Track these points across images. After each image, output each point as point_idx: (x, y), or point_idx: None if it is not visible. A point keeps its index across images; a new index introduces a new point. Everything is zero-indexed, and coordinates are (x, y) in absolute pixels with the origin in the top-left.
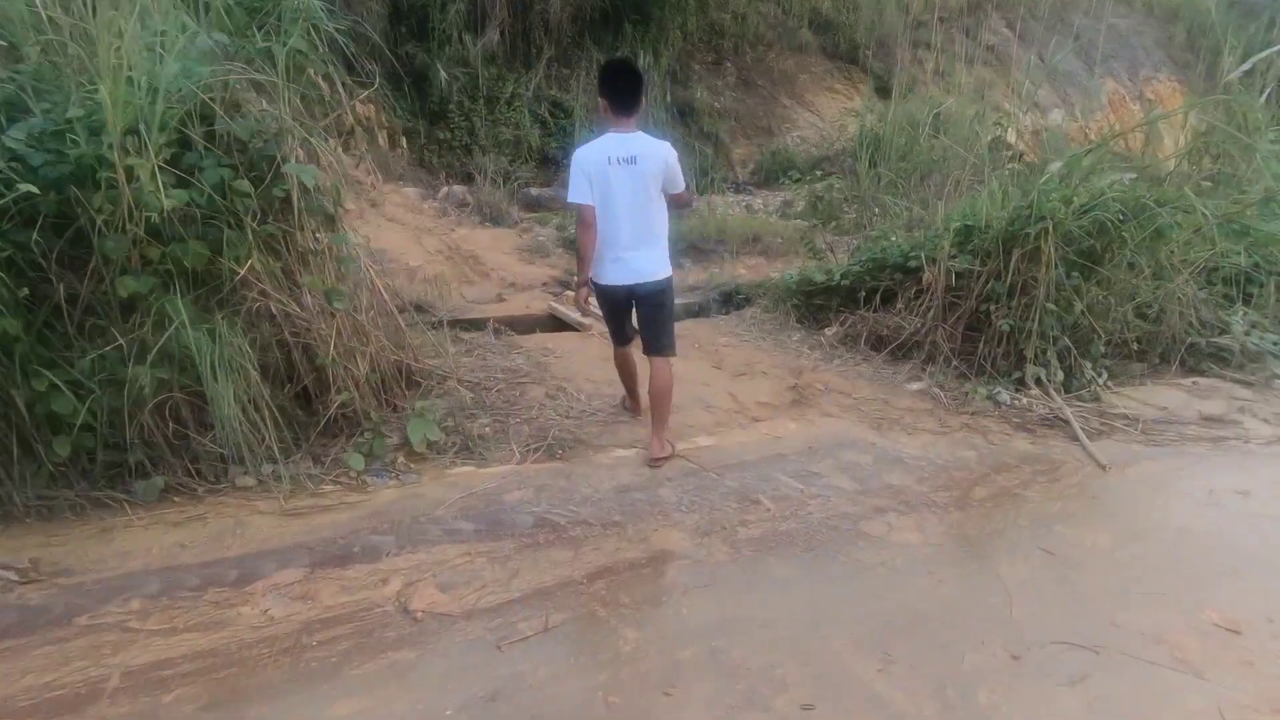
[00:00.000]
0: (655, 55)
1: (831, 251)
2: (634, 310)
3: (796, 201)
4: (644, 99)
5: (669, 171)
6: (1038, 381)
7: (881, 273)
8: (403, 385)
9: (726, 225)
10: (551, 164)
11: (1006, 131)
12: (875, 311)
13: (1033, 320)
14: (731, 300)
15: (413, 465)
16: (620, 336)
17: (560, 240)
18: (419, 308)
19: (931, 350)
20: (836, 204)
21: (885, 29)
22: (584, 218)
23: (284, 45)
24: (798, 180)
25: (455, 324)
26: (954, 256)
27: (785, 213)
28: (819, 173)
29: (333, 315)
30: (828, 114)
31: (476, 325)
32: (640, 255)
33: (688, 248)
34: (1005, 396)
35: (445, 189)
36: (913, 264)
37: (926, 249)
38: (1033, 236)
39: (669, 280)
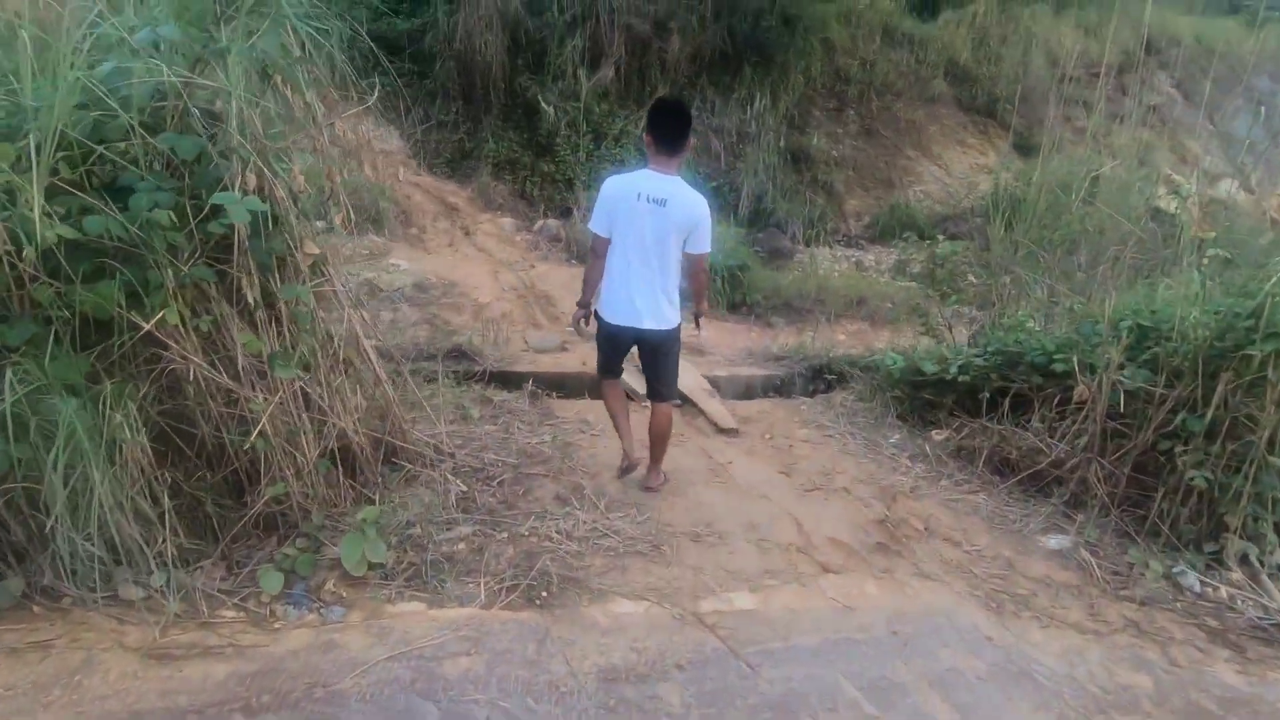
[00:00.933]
0: (773, 98)
1: (950, 329)
2: (639, 353)
3: (913, 263)
4: (690, 142)
5: (698, 229)
6: (1243, 561)
7: (1013, 371)
8: (376, 469)
9: (829, 283)
10: None
11: (1173, 203)
12: (1001, 422)
13: (1244, 476)
14: (821, 377)
15: (345, 593)
16: (611, 370)
17: None
18: (461, 354)
19: (1080, 491)
20: (960, 272)
21: (1030, 83)
22: (595, 248)
23: (244, 44)
24: (917, 239)
25: (496, 378)
26: (1123, 368)
27: (899, 274)
28: (941, 235)
29: (277, 385)
30: (957, 169)
31: (521, 381)
32: (652, 301)
33: (781, 305)
34: (1193, 579)
35: (541, 222)
36: (1059, 367)
37: (1080, 351)
38: (1257, 361)
39: (678, 329)
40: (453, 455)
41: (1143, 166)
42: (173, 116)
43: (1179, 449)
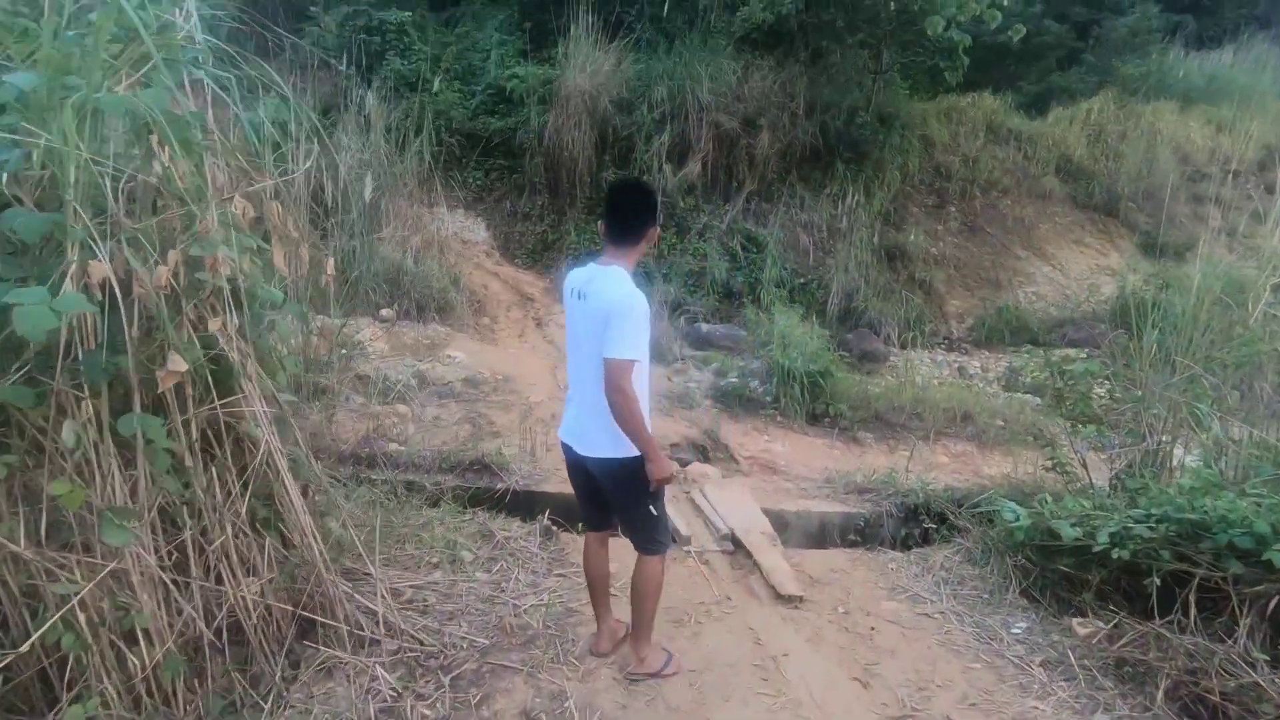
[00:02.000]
0: (867, 194)
1: (1085, 466)
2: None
3: (1027, 373)
4: (652, 232)
5: (610, 323)
6: None
7: (1196, 550)
8: (277, 659)
9: (927, 393)
10: (736, 298)
11: None
12: (1187, 630)
13: None
14: (917, 519)
15: None
16: (587, 518)
17: (714, 390)
18: (484, 468)
19: None
20: (1089, 394)
21: (1156, 180)
22: None
23: (95, 93)
24: (1031, 346)
25: (517, 500)
26: None
27: (1010, 385)
28: (1060, 342)
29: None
30: (1074, 270)
31: (545, 506)
32: (588, 420)
33: (871, 418)
34: None
35: None
36: (1273, 556)
37: None
38: None
39: (632, 465)
40: (400, 633)
41: None
42: (42, 187)
43: None
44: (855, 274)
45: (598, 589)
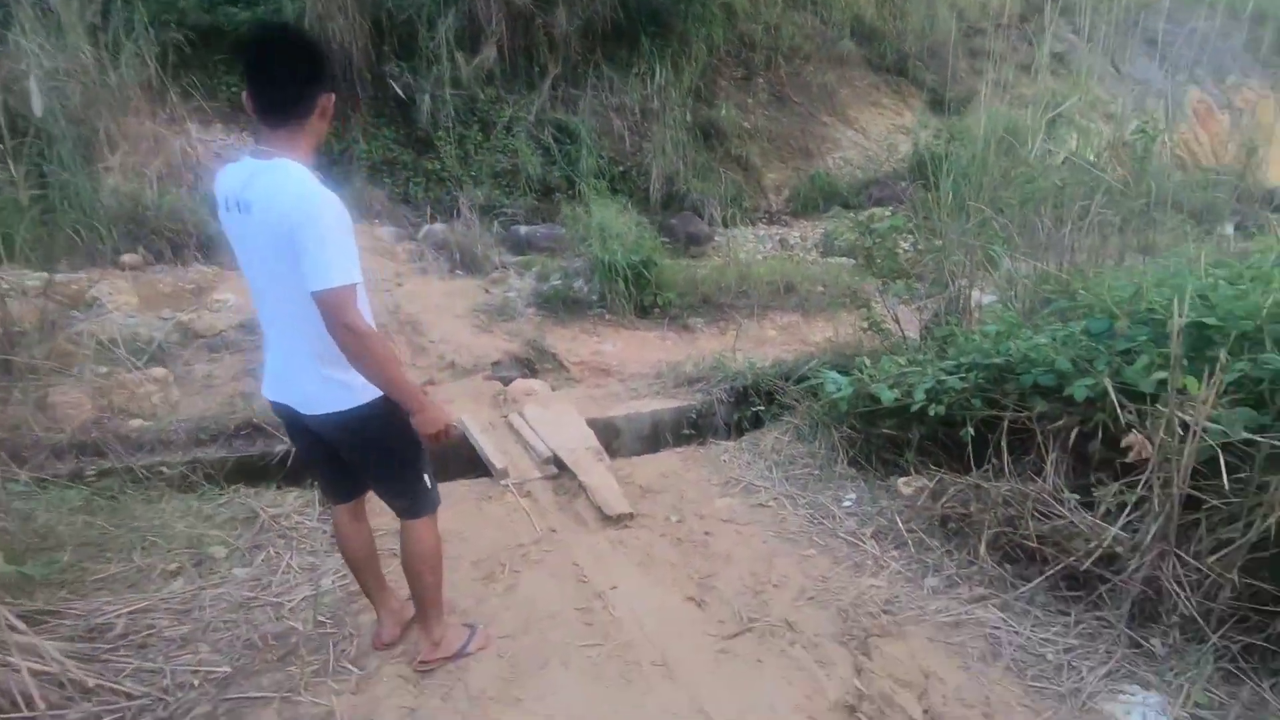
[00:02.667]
0: (675, 71)
1: (898, 322)
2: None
3: (839, 236)
4: (323, 101)
5: (295, 239)
6: None
7: (1003, 393)
8: None
9: (751, 270)
10: (554, 195)
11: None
12: (1002, 475)
13: None
14: (748, 402)
15: None
16: (328, 487)
17: (536, 296)
18: (254, 430)
19: (1152, 600)
20: (896, 250)
21: (937, 37)
22: None
23: None
24: (842, 210)
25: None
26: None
27: (828, 251)
28: (867, 203)
29: None
30: (874, 132)
31: None
32: (297, 371)
33: (700, 303)
34: None
35: (426, 228)
36: (1077, 393)
37: (1111, 366)
38: None
39: (372, 414)
40: (94, 691)
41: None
42: None
43: None
44: (673, 156)
45: (364, 570)
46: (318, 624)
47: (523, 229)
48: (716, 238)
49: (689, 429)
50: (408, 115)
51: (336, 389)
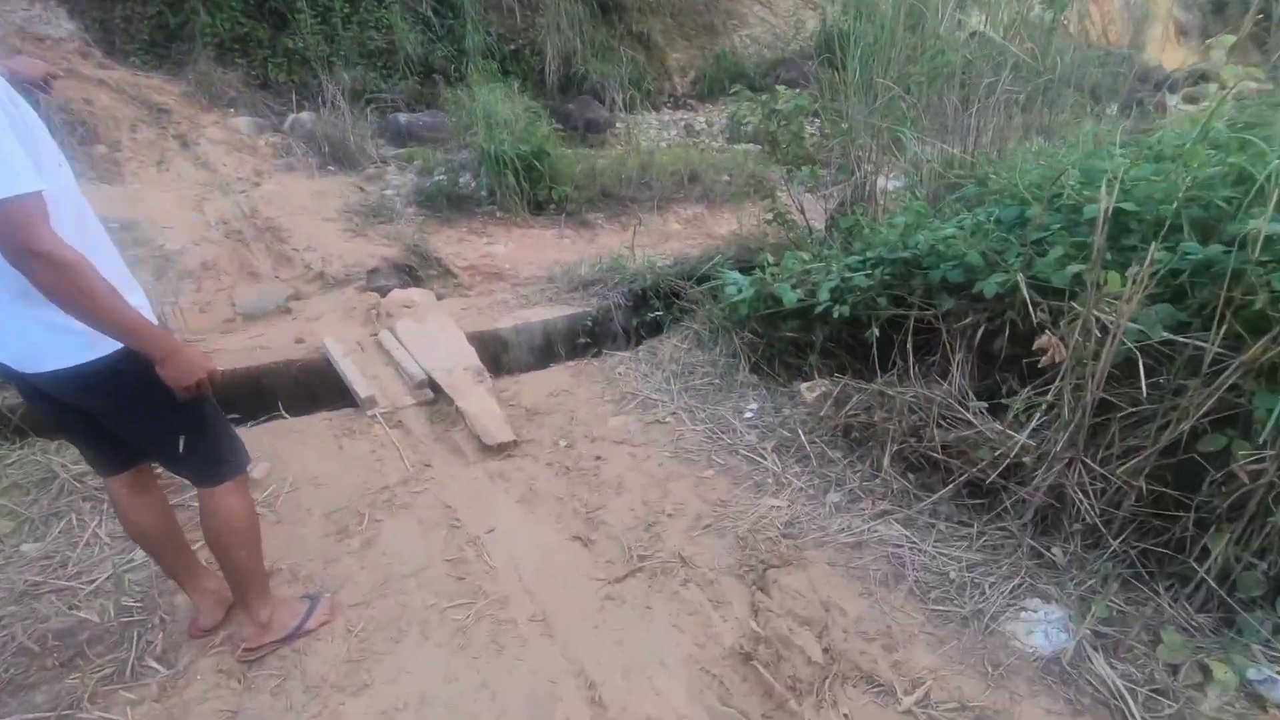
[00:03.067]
0: None
1: (803, 213)
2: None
3: (743, 117)
4: None
5: None
6: None
7: (907, 289)
8: None
9: (653, 159)
10: (437, 77)
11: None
12: (905, 380)
13: None
14: (648, 304)
15: None
16: (94, 458)
17: (418, 193)
18: None
19: (1055, 509)
20: (801, 134)
21: None
22: None
23: None
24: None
25: None
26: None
27: (734, 137)
28: (775, 85)
29: None
30: (781, 7)
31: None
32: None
33: (599, 196)
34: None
35: (292, 117)
36: (986, 289)
37: (1021, 259)
38: None
39: (112, 363)
40: None
41: None
42: None
43: (1237, 446)
44: (570, 33)
45: (164, 550)
46: (121, 610)
47: (402, 117)
48: (617, 125)
49: (585, 338)
50: None
51: (63, 338)
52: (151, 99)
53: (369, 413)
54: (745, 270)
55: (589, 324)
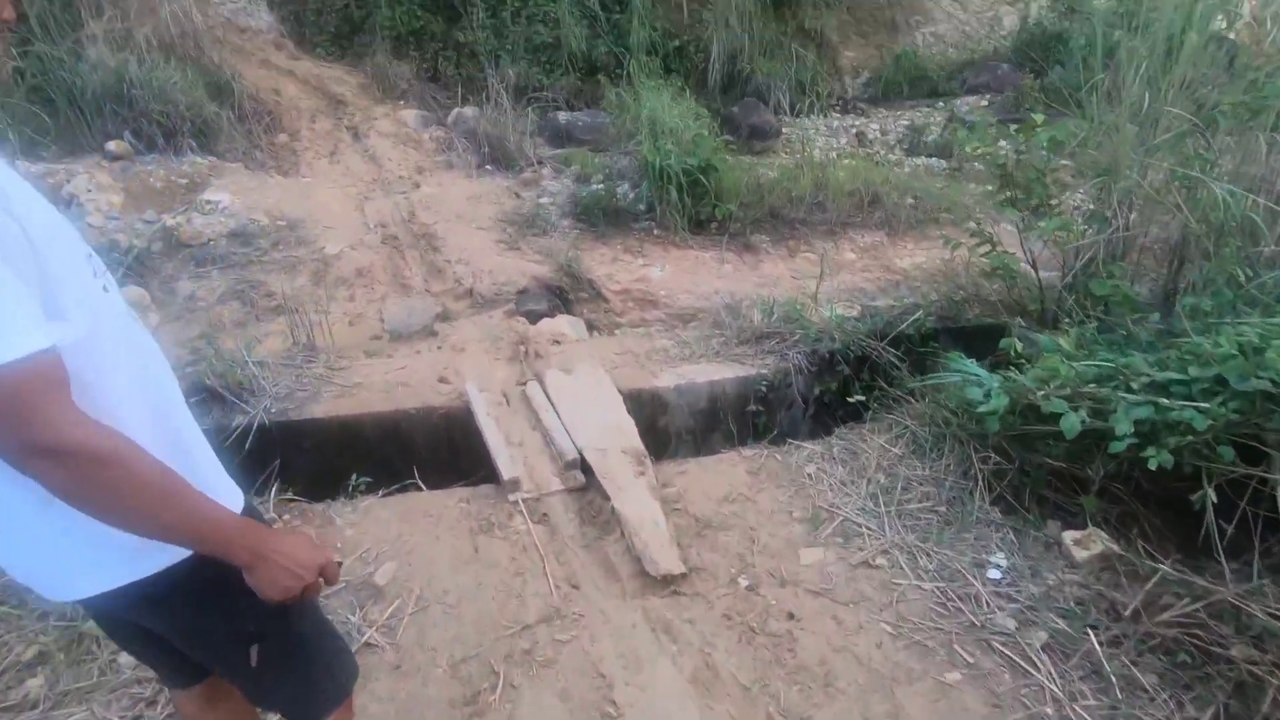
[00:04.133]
0: None
1: (1034, 267)
2: None
3: (928, 129)
4: None
5: None
6: None
7: (1260, 429)
8: None
9: (829, 176)
10: (599, 75)
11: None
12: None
13: None
14: (832, 367)
15: None
16: (158, 668)
17: (574, 202)
18: (211, 395)
19: None
20: (1047, 174)
21: None
22: None
23: None
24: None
25: (272, 437)
26: None
27: (913, 146)
28: (960, 89)
29: None
30: (974, 3)
31: (324, 437)
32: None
33: (766, 216)
34: None
35: (456, 111)
36: None
37: None
38: None
39: (168, 582)
40: None
41: None
42: None
43: None
44: (738, 29)
45: None
46: None
47: (562, 116)
48: (785, 130)
49: (756, 405)
50: None
51: (100, 551)
52: (331, 89)
53: (511, 497)
54: (956, 334)
55: (762, 389)
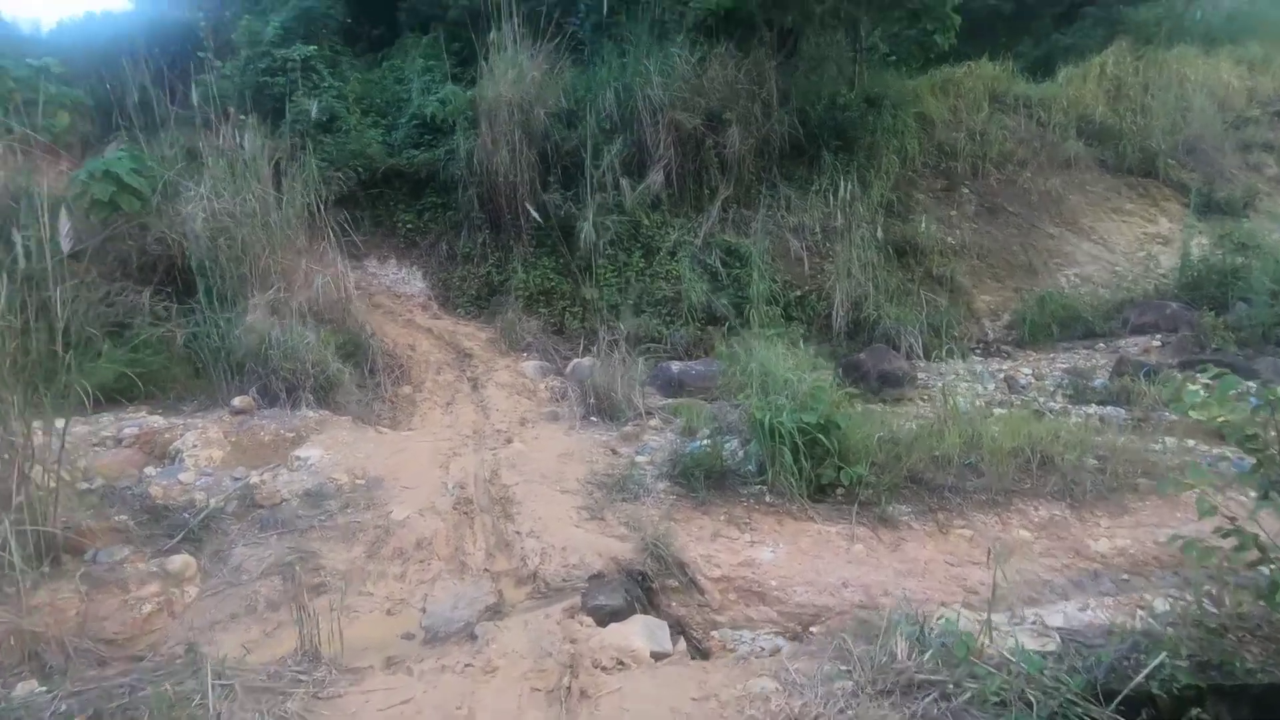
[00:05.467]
0: (863, 185)
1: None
2: None
3: (1093, 373)
4: None
5: None
6: None
7: None
8: None
9: (980, 431)
10: (718, 324)
11: None
12: None
13: None
14: None
15: None
16: None
17: (674, 462)
18: None
19: None
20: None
21: (1193, 131)
22: None
23: None
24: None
25: None
26: None
27: (1078, 394)
28: (1122, 329)
29: None
30: (1119, 243)
31: None
32: None
33: (905, 482)
34: None
35: (574, 362)
36: None
37: None
38: None
39: None
40: None
41: None
42: None
43: None
44: (861, 277)
45: None
46: None
47: (675, 366)
48: (920, 375)
49: None
50: (569, 243)
51: None
52: (462, 344)
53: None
54: (1229, 696)
55: None
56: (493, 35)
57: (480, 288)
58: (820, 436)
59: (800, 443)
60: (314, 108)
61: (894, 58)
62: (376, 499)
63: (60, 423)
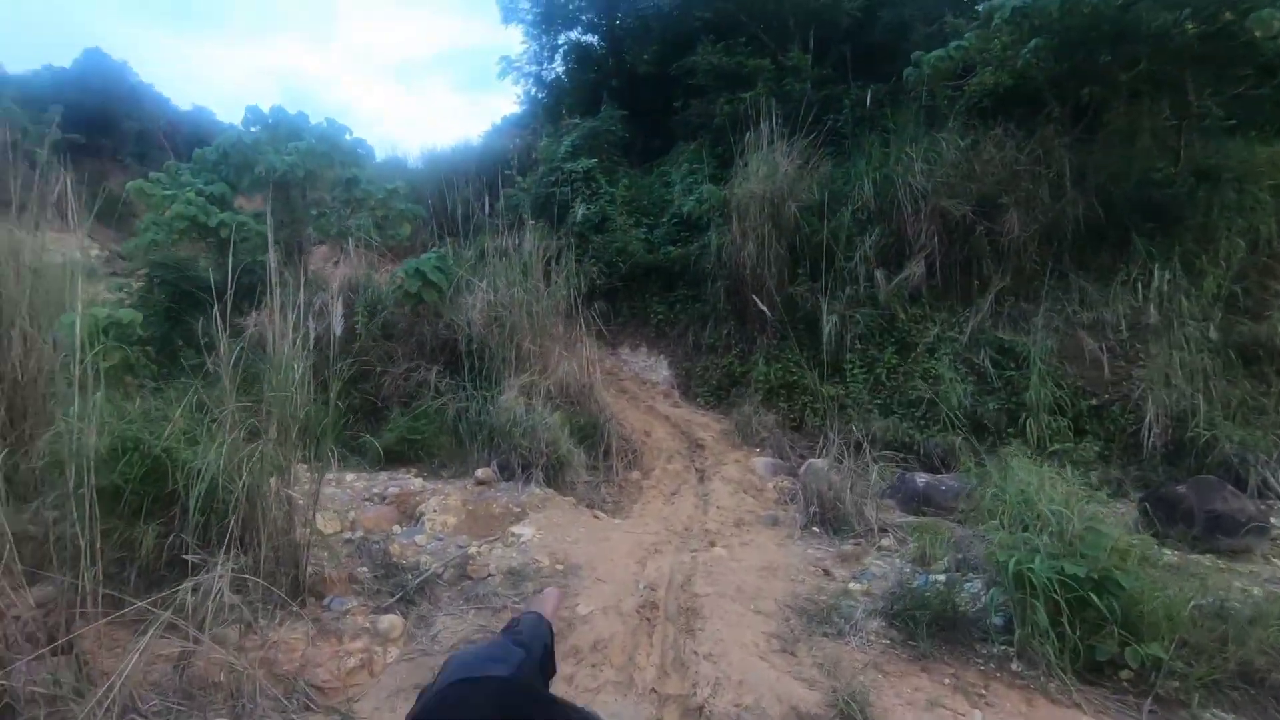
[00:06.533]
0: (1190, 274)
1: None
2: None
3: None
4: None
5: None
6: None
7: None
8: None
9: None
10: (984, 433)
11: None
12: None
13: None
14: None
15: None
16: None
17: (894, 597)
18: None
19: None
20: None
21: None
22: None
23: None
24: None
25: None
26: None
27: None
28: None
29: None
30: None
31: None
32: None
33: (1228, 677)
34: None
35: (808, 463)
36: None
37: None
38: None
39: None
40: None
41: None
42: None
43: None
44: (1186, 387)
45: None
46: None
47: (921, 478)
48: (1272, 521)
49: None
50: (814, 337)
51: None
52: (696, 434)
53: None
54: None
55: None
56: (748, 136)
57: (721, 378)
58: (1092, 596)
59: (1062, 600)
60: (580, 211)
61: (1233, 121)
62: (569, 588)
63: (327, 476)
